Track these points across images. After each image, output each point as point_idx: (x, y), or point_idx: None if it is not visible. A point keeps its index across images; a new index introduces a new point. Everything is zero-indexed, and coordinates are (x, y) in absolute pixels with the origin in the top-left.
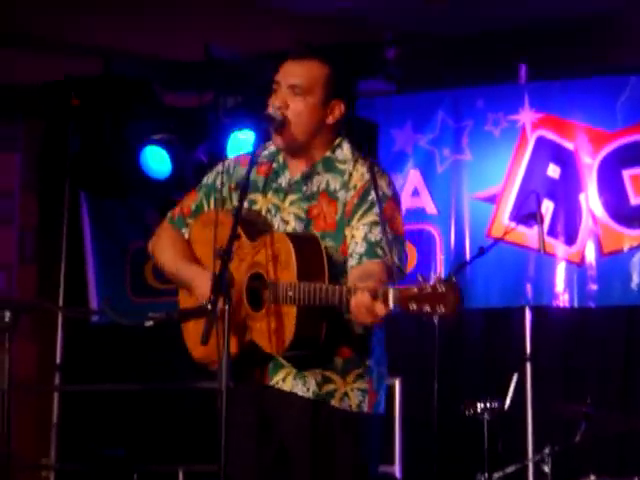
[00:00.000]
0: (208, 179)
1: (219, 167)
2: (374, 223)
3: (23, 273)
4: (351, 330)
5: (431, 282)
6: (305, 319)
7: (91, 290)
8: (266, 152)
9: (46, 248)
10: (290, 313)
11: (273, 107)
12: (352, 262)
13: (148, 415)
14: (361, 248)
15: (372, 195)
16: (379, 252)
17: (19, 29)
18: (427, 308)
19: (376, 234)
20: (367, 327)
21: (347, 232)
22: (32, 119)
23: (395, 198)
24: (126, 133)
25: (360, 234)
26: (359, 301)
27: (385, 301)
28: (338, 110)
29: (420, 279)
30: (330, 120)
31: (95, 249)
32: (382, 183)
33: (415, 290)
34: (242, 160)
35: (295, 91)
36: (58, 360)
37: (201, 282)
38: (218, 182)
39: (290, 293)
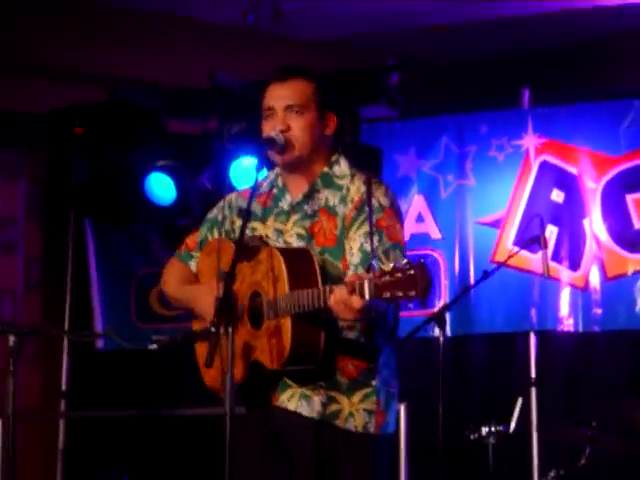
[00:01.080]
0: (211, 214)
1: (221, 202)
2: (369, 233)
3: (28, 300)
4: (356, 347)
5: (400, 269)
6: (300, 330)
7: (96, 317)
8: (266, 182)
9: (51, 275)
10: (285, 326)
11: (274, 131)
12: (349, 273)
13: (154, 441)
14: (356, 258)
15: (368, 207)
16: (375, 262)
17: (22, 57)
18: (399, 293)
19: (371, 243)
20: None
21: (346, 245)
22: (36, 147)
23: (393, 207)
24: (130, 160)
25: (356, 245)
26: (337, 297)
27: (361, 293)
28: (332, 122)
29: (392, 266)
30: (328, 132)
31: (100, 276)
32: (378, 194)
33: (387, 278)
34: (243, 193)
35: (294, 110)
36: (63, 387)
37: (201, 301)
38: (220, 216)
39: (282, 304)
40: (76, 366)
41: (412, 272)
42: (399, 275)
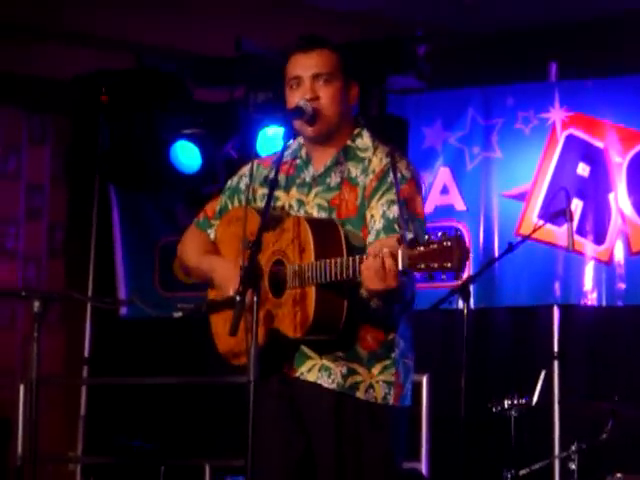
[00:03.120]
0: (232, 182)
1: (243, 170)
2: (392, 202)
3: (52, 266)
4: (374, 319)
5: (436, 240)
6: (324, 299)
7: (120, 284)
8: (288, 151)
9: (75, 241)
10: (309, 295)
11: (303, 100)
12: (370, 238)
13: (175, 408)
14: (379, 224)
15: (391, 177)
16: (396, 228)
17: (51, 23)
18: (434, 265)
19: (394, 211)
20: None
21: (367, 214)
22: (62, 113)
23: (414, 180)
24: (156, 128)
25: (378, 212)
26: (369, 264)
27: (395, 261)
28: (355, 91)
29: (427, 238)
30: (352, 102)
31: (124, 243)
32: (401, 166)
33: (422, 249)
34: (264, 161)
35: (323, 79)
36: (86, 353)
37: (221, 272)
38: (242, 184)
39: (308, 274)
40: (99, 333)
41: (448, 243)
42: (434, 246)
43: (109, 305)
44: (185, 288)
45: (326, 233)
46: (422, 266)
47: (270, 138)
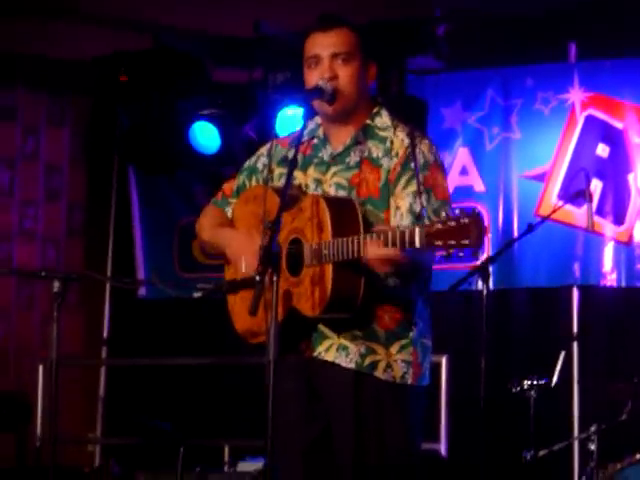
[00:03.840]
0: (250, 162)
1: (261, 150)
2: (417, 193)
3: (71, 247)
4: (392, 298)
5: (452, 217)
6: (341, 277)
7: (139, 265)
8: (306, 131)
9: (94, 222)
10: (327, 273)
11: (322, 79)
12: None
13: (195, 389)
14: (407, 220)
15: (413, 162)
16: (425, 222)
17: (68, 4)
18: (452, 242)
19: (419, 204)
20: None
21: (392, 201)
22: (81, 94)
23: (437, 163)
24: (175, 108)
25: (405, 205)
26: (370, 250)
27: (412, 241)
28: (373, 71)
29: (444, 215)
30: (370, 81)
31: (143, 224)
32: (423, 148)
33: (439, 226)
34: (282, 141)
35: (340, 58)
36: (105, 334)
37: (235, 246)
38: (260, 164)
39: (325, 251)
40: (118, 314)
41: (466, 220)
42: (452, 224)
43: (128, 285)
44: (204, 269)
45: (343, 211)
46: (440, 243)
47: (289, 118)
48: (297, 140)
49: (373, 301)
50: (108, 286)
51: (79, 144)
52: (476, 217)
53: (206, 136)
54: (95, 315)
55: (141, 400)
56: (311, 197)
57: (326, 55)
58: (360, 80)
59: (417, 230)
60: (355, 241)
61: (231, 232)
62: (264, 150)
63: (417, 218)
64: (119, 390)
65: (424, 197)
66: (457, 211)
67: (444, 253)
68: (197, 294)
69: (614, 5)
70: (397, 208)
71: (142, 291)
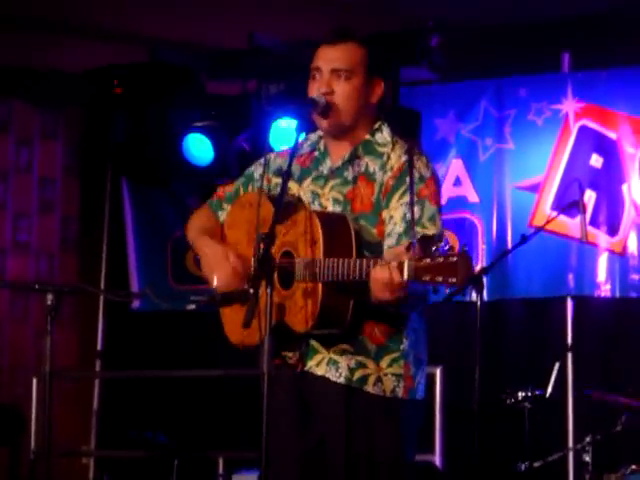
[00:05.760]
0: (248, 170)
1: (260, 160)
2: (411, 203)
3: (65, 259)
4: (382, 313)
5: (442, 253)
6: (331, 296)
7: (132, 276)
8: (307, 143)
9: (88, 234)
10: (316, 290)
11: (318, 92)
12: (391, 241)
13: (188, 402)
14: (400, 228)
15: (409, 176)
16: (418, 231)
17: (64, 16)
18: (439, 279)
19: (415, 214)
20: (399, 317)
21: (384, 213)
22: (74, 106)
23: (433, 177)
24: (169, 120)
25: (399, 214)
26: (377, 275)
27: (400, 272)
28: (379, 88)
29: (434, 250)
30: (373, 99)
31: (137, 236)
32: (420, 164)
33: (428, 261)
34: (282, 153)
35: (339, 75)
36: (99, 347)
37: (210, 256)
38: (257, 173)
39: (316, 269)
40: (111, 326)
41: (455, 259)
42: (440, 260)
43: (122, 298)
44: (198, 281)
45: (336, 228)
46: (427, 278)
47: (283, 130)
48: (292, 152)
49: (364, 317)
50: (102, 298)
51: (72, 156)
52: (464, 256)
53: (199, 148)
54: (89, 327)
55: (135, 413)
56: (305, 212)
57: (327, 69)
58: (358, 98)
59: (406, 263)
60: (356, 263)
61: (210, 243)
62: (263, 160)
63: (410, 227)
64: (113, 403)
65: (419, 207)
66: (447, 247)
67: (431, 287)
68: (190, 306)
69: (607, 16)
70: (390, 217)
71: (136, 303)
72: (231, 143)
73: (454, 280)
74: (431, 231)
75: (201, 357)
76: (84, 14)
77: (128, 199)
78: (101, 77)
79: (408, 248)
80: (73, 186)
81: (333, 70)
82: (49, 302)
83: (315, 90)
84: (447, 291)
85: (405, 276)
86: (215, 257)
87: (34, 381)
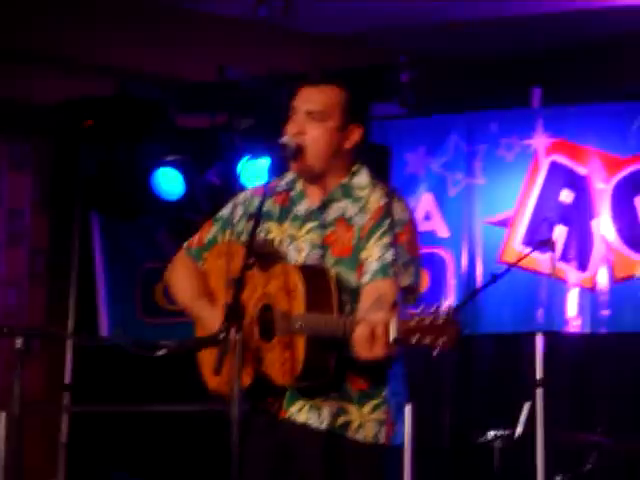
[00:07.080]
0: (223, 213)
1: (236, 199)
2: (390, 245)
3: (33, 292)
4: (363, 365)
5: (429, 313)
6: (314, 350)
7: (102, 310)
8: (284, 181)
9: (56, 267)
10: (299, 344)
11: (289, 134)
12: (365, 278)
13: (157, 436)
14: (375, 266)
15: (389, 219)
16: (391, 272)
17: (33, 48)
18: (427, 341)
19: (391, 255)
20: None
21: (363, 255)
22: (44, 139)
23: (412, 222)
24: (138, 154)
25: (376, 254)
26: (360, 333)
27: (386, 333)
28: (357, 135)
29: (420, 309)
30: (348, 145)
31: (106, 269)
32: (399, 208)
33: (414, 323)
34: (258, 191)
35: (313, 117)
36: (67, 380)
37: (206, 320)
38: (236, 215)
39: (298, 324)
40: (80, 359)
41: (440, 321)
42: (427, 322)
43: (90, 342)
44: (167, 314)
45: (318, 283)
46: (414, 340)
47: (253, 166)
48: (264, 194)
49: (345, 369)
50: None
51: (42, 189)
52: (451, 318)
53: (170, 182)
54: (57, 360)
55: (103, 447)
56: (282, 266)
57: (302, 109)
58: (331, 141)
59: (392, 323)
60: (338, 322)
61: (205, 307)
62: (241, 199)
63: (385, 267)
64: (81, 437)
65: (394, 251)
66: (433, 308)
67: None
68: (160, 352)
69: (578, 51)
70: (367, 257)
71: (105, 334)
72: (201, 177)
73: (441, 341)
74: (405, 282)
75: (171, 392)
76: (53, 45)
77: (98, 232)
78: (71, 109)
79: (393, 307)
80: (42, 218)
81: (308, 112)
82: (19, 346)
83: (289, 130)
84: (434, 353)
85: (391, 336)
86: (211, 319)
87: (3, 415)
